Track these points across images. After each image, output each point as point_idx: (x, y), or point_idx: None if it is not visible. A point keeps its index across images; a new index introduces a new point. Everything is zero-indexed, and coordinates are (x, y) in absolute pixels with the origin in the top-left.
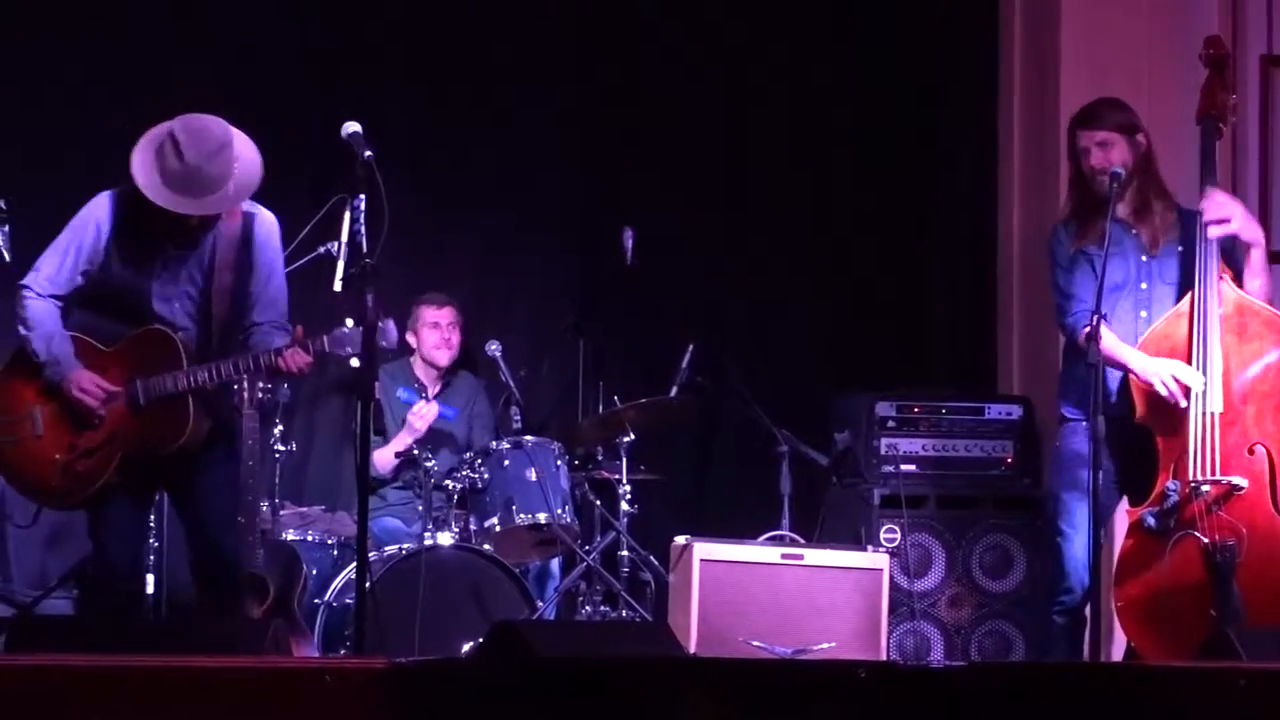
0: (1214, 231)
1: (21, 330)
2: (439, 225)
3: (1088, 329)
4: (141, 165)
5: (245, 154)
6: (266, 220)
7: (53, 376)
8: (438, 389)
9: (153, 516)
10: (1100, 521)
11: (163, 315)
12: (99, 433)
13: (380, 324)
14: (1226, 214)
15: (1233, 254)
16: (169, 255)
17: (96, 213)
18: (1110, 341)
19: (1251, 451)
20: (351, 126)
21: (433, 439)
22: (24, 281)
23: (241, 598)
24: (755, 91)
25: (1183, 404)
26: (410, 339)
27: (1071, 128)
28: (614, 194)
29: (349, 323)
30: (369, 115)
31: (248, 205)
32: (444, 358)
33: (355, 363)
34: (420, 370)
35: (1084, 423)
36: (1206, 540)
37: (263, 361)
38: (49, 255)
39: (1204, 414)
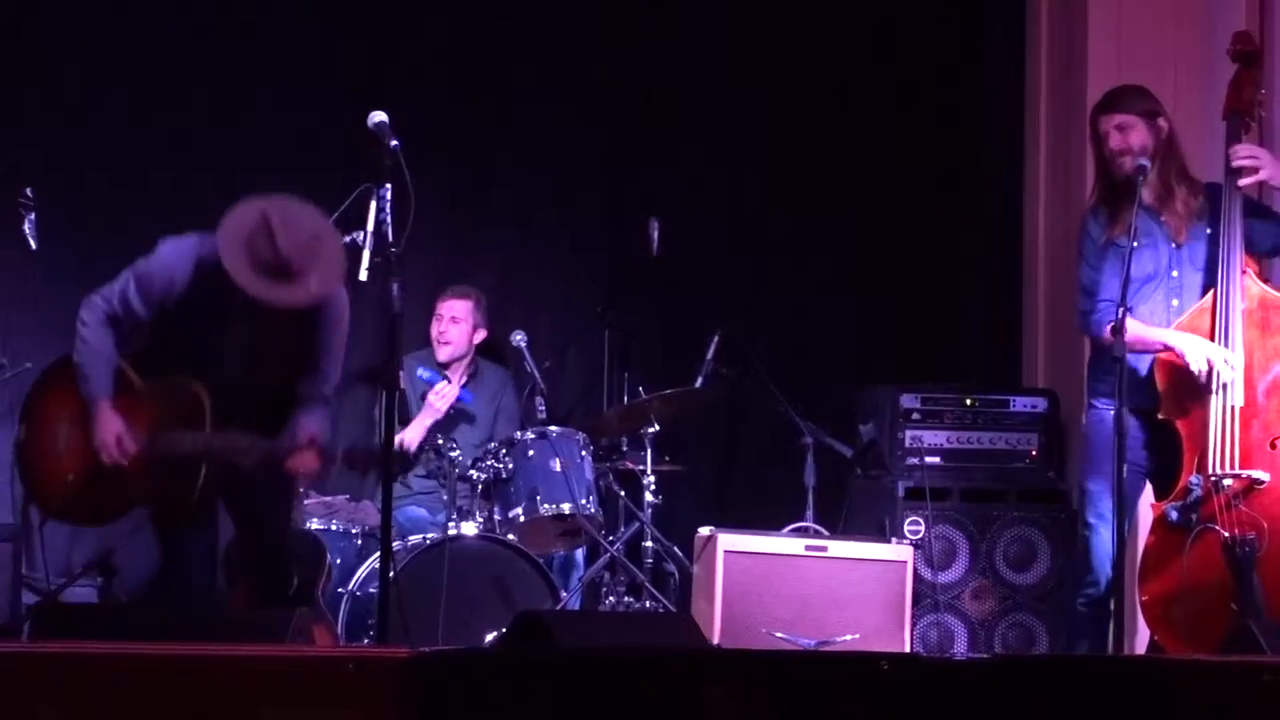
0: (1244, 180)
1: (79, 332)
2: (465, 215)
3: (1111, 324)
4: (232, 243)
5: (332, 246)
6: (341, 301)
7: (84, 394)
8: (464, 380)
9: None
10: (1125, 513)
11: (216, 365)
12: (113, 472)
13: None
14: (1255, 161)
15: (1257, 241)
16: (238, 317)
17: (177, 267)
18: (1137, 327)
19: (1273, 446)
20: (378, 116)
21: (457, 430)
22: (100, 293)
23: (282, 587)
24: (783, 85)
25: (1224, 377)
26: (431, 328)
27: (1093, 112)
28: (639, 185)
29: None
30: (396, 104)
31: None
32: (442, 353)
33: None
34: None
35: (1111, 414)
36: (1227, 534)
37: (272, 455)
38: (127, 279)
39: (1225, 408)
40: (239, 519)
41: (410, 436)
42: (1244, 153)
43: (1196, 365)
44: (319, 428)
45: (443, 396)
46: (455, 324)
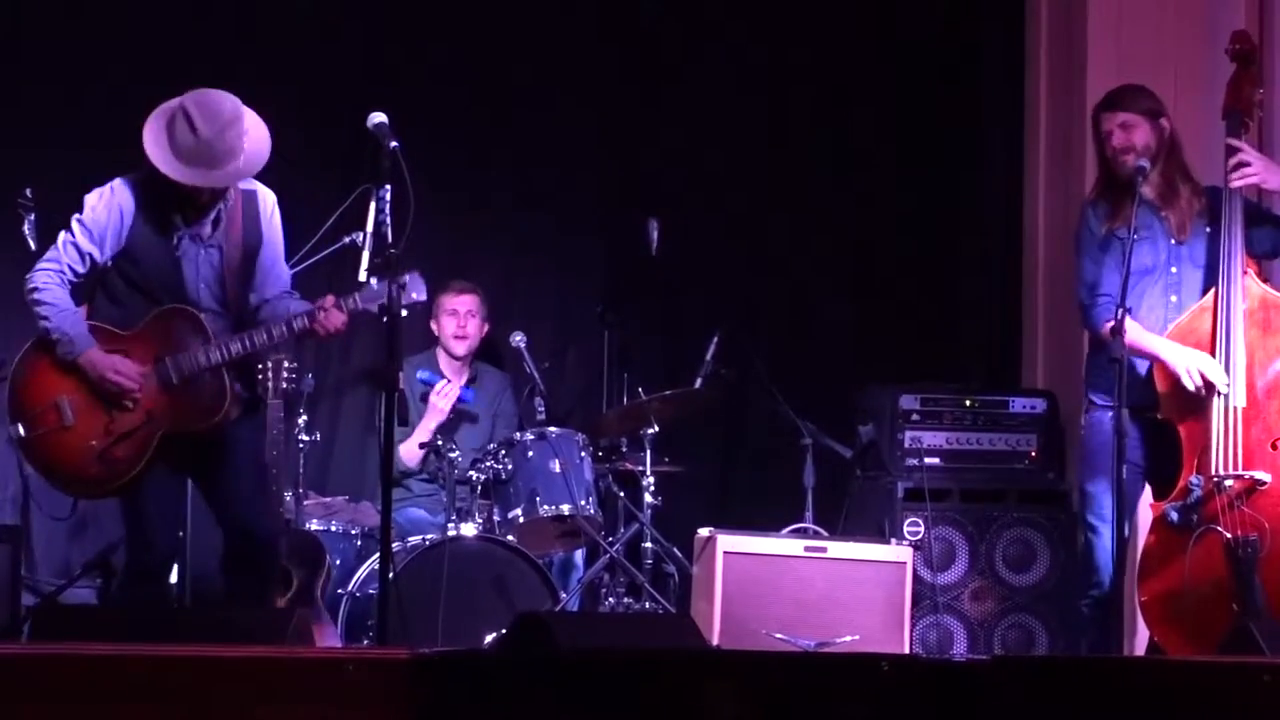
0: (1236, 180)
1: (37, 310)
2: (465, 216)
3: (1111, 323)
4: (154, 139)
5: (254, 129)
6: (268, 197)
7: (66, 354)
8: (463, 382)
9: None
10: (1125, 514)
11: (192, 299)
12: (134, 415)
13: (407, 276)
14: (1247, 162)
15: (1255, 243)
16: (185, 239)
17: (117, 198)
18: (1136, 332)
19: (1275, 446)
20: (377, 117)
21: (456, 432)
22: (39, 266)
23: (274, 582)
24: (783, 85)
25: (1219, 390)
26: (434, 327)
27: (1095, 112)
28: (639, 185)
29: (373, 281)
30: (395, 105)
31: (247, 183)
32: (461, 347)
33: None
34: (445, 362)
35: (1110, 414)
36: (1229, 535)
37: (296, 325)
38: (66, 243)
39: (1227, 408)
40: (218, 502)
41: (418, 441)
42: (1239, 154)
43: (1189, 382)
44: (304, 305)
45: (445, 395)
46: (472, 318)
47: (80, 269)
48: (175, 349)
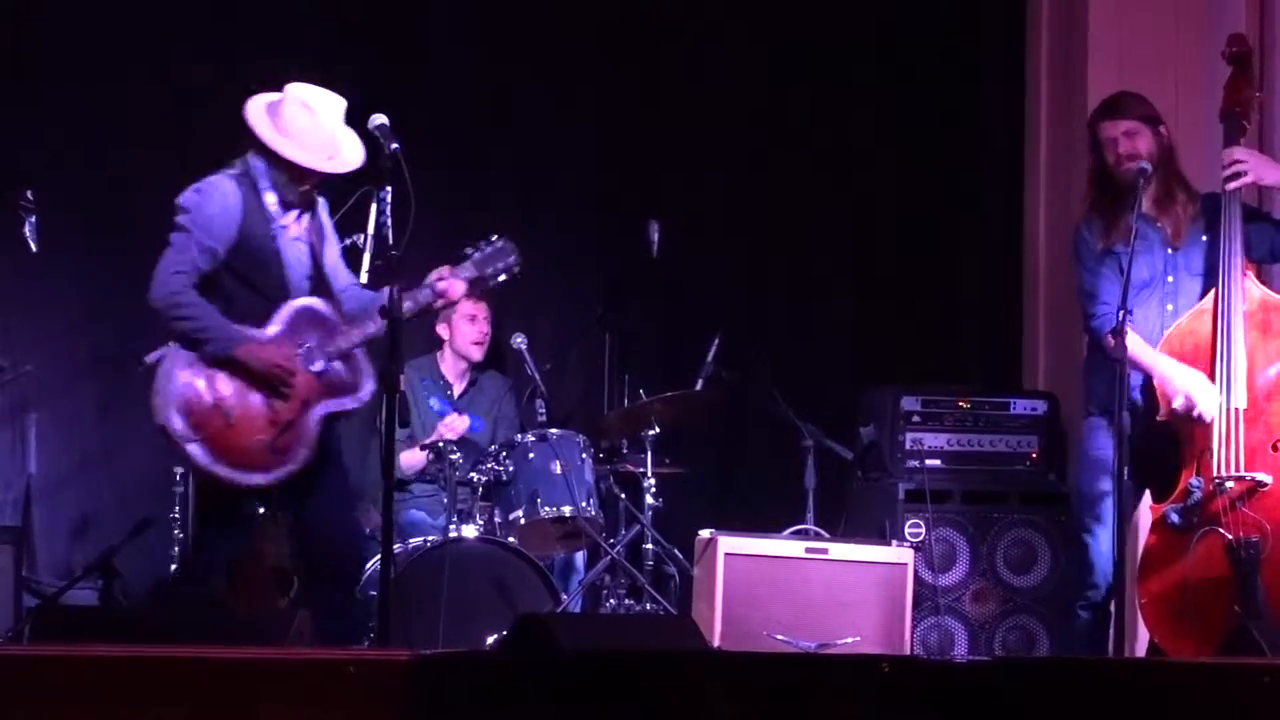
0: (1232, 184)
1: (179, 313)
2: (465, 217)
3: (1113, 330)
4: (278, 129)
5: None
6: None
7: (219, 352)
8: (464, 387)
9: (177, 509)
10: (1124, 517)
11: (295, 292)
12: (292, 403)
13: (501, 242)
14: (1241, 166)
15: (1254, 246)
16: (282, 233)
17: (223, 194)
18: (1136, 344)
19: (1275, 448)
20: (378, 119)
21: (457, 439)
22: (168, 272)
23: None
24: (784, 86)
25: (1205, 419)
26: (441, 331)
27: (1094, 120)
28: (640, 187)
29: (476, 251)
30: (396, 107)
31: None
32: (479, 352)
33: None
34: (448, 366)
35: (1109, 418)
36: (1230, 537)
37: (421, 299)
38: (187, 244)
39: (1227, 410)
40: (319, 504)
41: (413, 460)
42: (1233, 156)
43: (1178, 403)
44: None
45: (452, 429)
46: (488, 323)
47: (205, 267)
48: (311, 337)
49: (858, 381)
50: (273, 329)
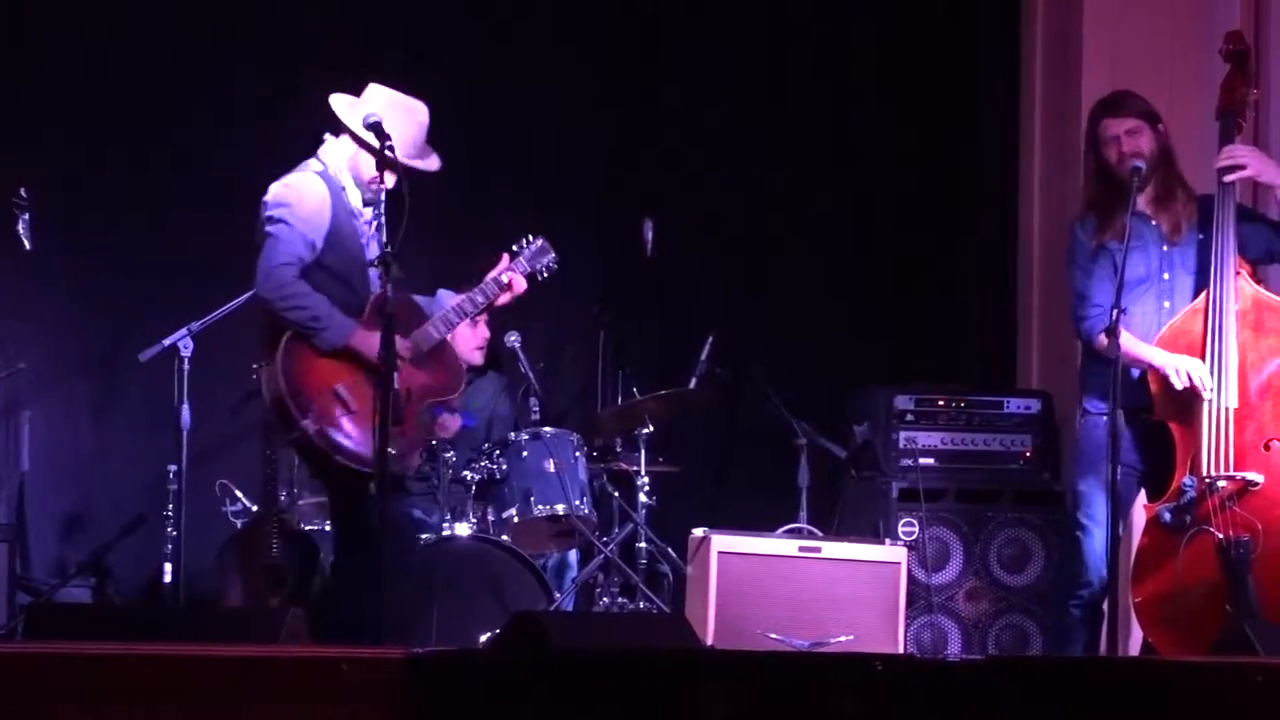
0: (1229, 177)
1: (292, 303)
2: (460, 215)
3: (1105, 328)
4: (391, 131)
5: None
6: None
7: (333, 341)
8: (462, 390)
9: (171, 507)
10: (1119, 515)
11: (372, 286)
12: (399, 392)
13: (539, 242)
14: (1241, 159)
15: (1250, 247)
16: (362, 228)
17: (315, 188)
18: (1128, 341)
19: (1267, 447)
20: (373, 117)
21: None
22: (274, 264)
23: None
24: (780, 86)
25: (1204, 394)
26: None
27: (1095, 117)
28: (634, 185)
29: (528, 243)
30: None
31: None
32: (480, 357)
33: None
34: None
35: (1105, 417)
36: (1221, 536)
37: (489, 292)
38: (289, 238)
39: (1219, 409)
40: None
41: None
42: (1232, 150)
43: (1177, 380)
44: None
45: (446, 429)
46: (488, 326)
47: (308, 259)
48: (408, 327)
49: (851, 380)
50: (367, 317)
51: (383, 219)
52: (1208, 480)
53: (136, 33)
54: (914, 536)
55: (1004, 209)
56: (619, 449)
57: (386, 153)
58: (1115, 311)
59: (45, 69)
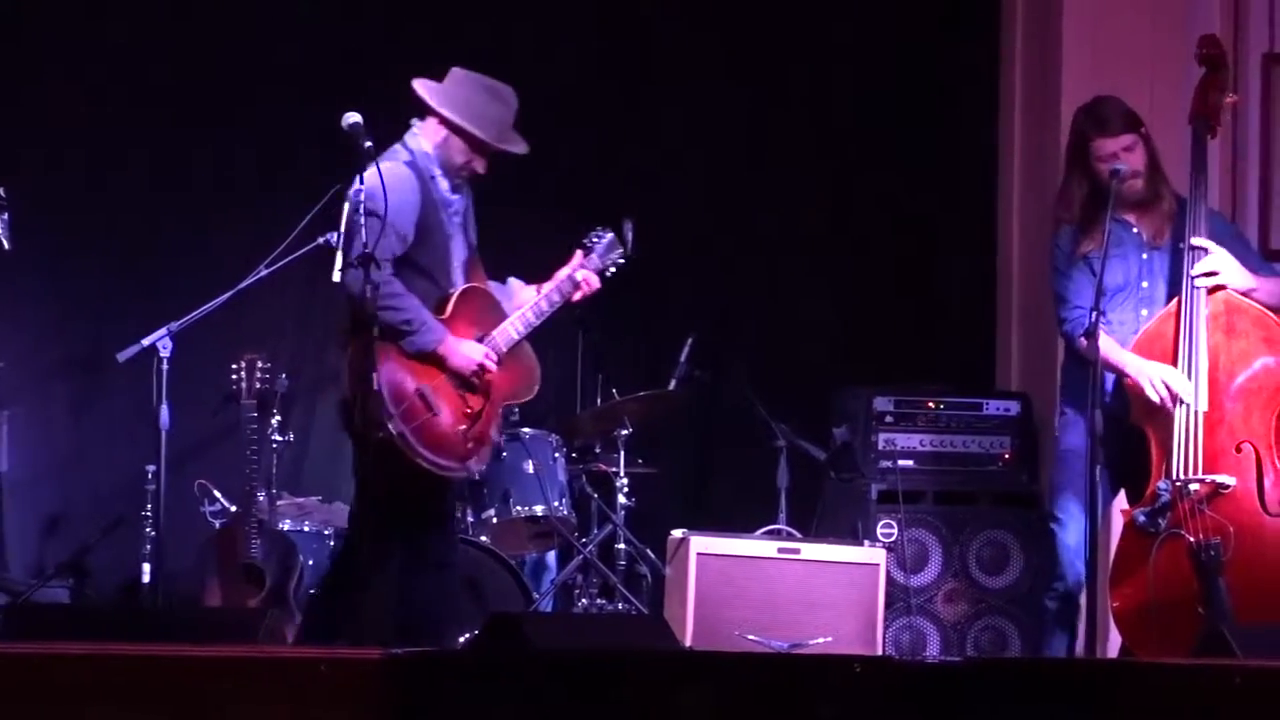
0: (1202, 282)
1: (390, 303)
2: None
3: (1084, 330)
4: (475, 112)
5: None
6: None
7: (425, 344)
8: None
9: (149, 507)
10: (1098, 517)
11: (454, 278)
12: (480, 394)
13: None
14: (1214, 269)
15: (1229, 247)
16: (451, 218)
17: (404, 179)
18: (1106, 345)
19: (1239, 450)
20: (352, 117)
21: None
22: (380, 257)
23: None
24: (759, 87)
25: (1184, 401)
26: None
27: (1085, 135)
28: (615, 185)
29: (599, 238)
30: (369, 104)
31: None
32: None
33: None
34: None
35: (1084, 414)
36: (1193, 539)
37: (564, 291)
38: (384, 233)
39: (1191, 413)
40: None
41: None
42: (1203, 263)
43: (1154, 394)
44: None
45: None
46: None
47: (399, 253)
48: (488, 326)
49: (831, 382)
50: (448, 315)
51: (361, 217)
52: (1179, 483)
53: (115, 30)
54: (893, 538)
55: (984, 210)
56: (598, 450)
57: (478, 135)
58: (1094, 314)
59: (24, 67)
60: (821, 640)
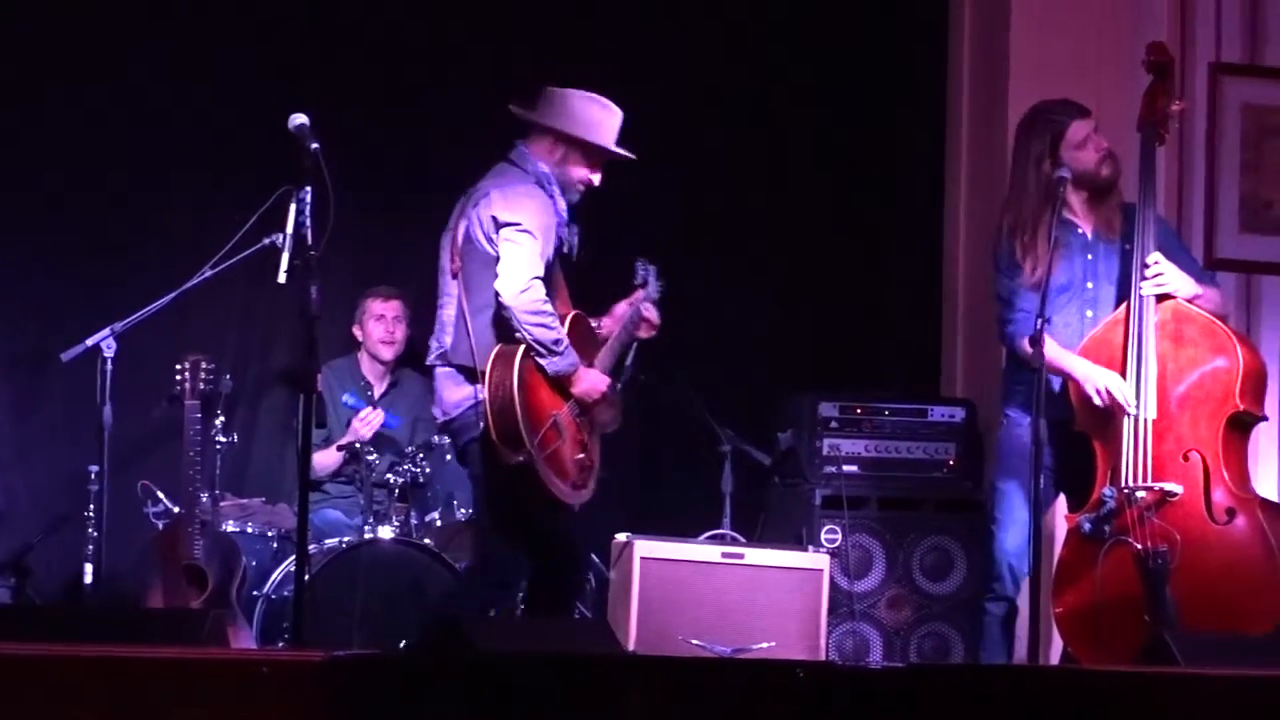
0: (1150, 289)
1: (544, 323)
2: (387, 219)
3: (1029, 336)
4: (599, 122)
5: None
6: None
7: (564, 368)
8: (384, 388)
9: (92, 507)
10: (1041, 523)
11: (558, 300)
12: (588, 423)
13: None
14: (1165, 279)
15: (1173, 256)
16: (564, 236)
17: (542, 199)
18: (1052, 349)
19: (1186, 458)
20: (299, 119)
21: (375, 440)
22: (528, 281)
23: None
24: (703, 88)
25: (1128, 411)
26: (356, 333)
27: (1062, 124)
28: None
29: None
30: (319, 105)
31: None
32: (388, 352)
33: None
34: (367, 367)
35: (1026, 423)
36: (1140, 547)
37: (631, 331)
38: (532, 255)
39: (1138, 421)
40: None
41: (328, 460)
42: (1156, 266)
43: (1097, 399)
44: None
45: (368, 423)
46: (399, 323)
47: (542, 276)
48: (589, 354)
49: (776, 387)
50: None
51: (307, 220)
52: (1127, 491)
53: (54, 28)
54: (837, 544)
55: (929, 216)
56: None
57: (599, 143)
58: (1040, 321)
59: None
60: (765, 645)
